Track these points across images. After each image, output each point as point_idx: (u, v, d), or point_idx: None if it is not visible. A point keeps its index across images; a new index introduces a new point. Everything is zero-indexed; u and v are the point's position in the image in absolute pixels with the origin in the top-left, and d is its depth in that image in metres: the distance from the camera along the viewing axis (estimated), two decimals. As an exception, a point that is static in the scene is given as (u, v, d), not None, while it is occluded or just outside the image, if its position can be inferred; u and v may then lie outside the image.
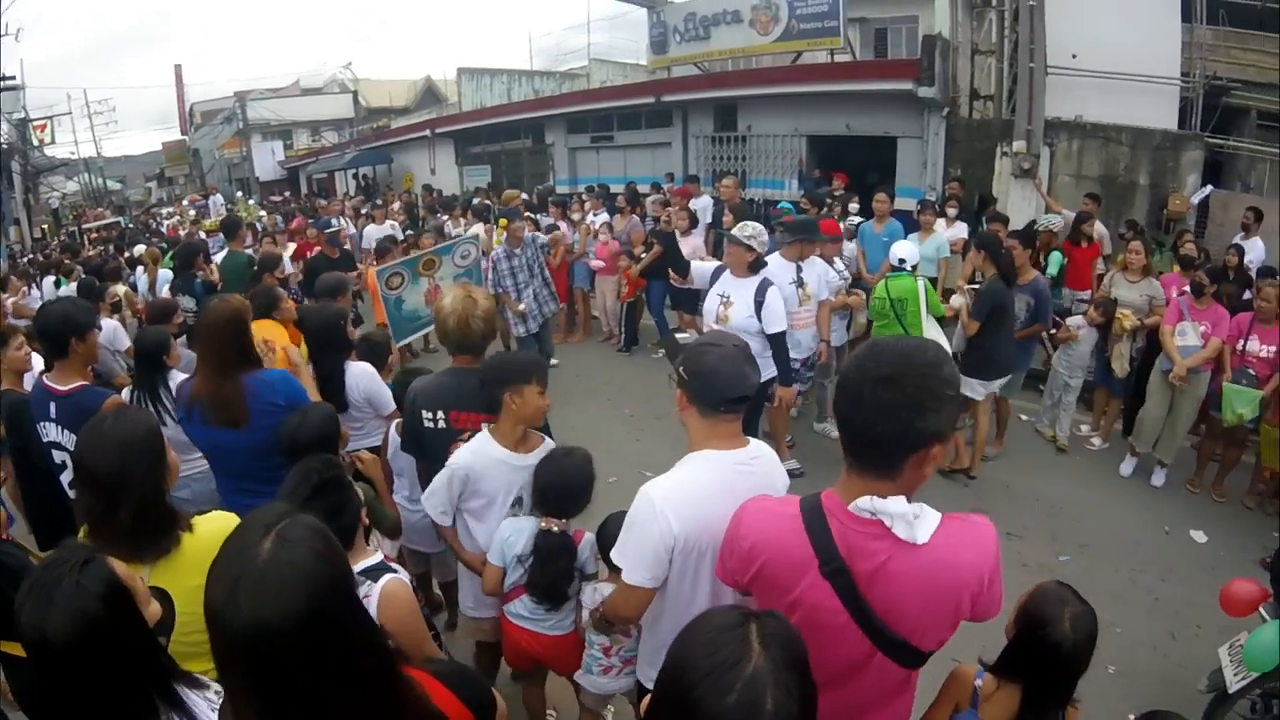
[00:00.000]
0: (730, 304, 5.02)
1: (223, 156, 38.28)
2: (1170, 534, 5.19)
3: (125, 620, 1.46)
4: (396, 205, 15.94)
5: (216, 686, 1.56)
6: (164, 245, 13.10)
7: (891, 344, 1.58)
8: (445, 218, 12.18)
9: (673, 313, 8.97)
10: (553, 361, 7.38)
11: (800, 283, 5.58)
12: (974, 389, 5.62)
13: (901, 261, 5.77)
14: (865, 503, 1.56)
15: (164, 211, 31.98)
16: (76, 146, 39.59)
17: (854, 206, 9.15)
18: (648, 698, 1.36)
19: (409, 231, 12.10)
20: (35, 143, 31.53)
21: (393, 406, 3.83)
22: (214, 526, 2.09)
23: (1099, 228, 7.90)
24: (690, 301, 7.84)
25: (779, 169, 13.35)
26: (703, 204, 10.18)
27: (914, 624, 1.59)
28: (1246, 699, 3.28)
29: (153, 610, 1.58)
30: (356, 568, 2.22)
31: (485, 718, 1.59)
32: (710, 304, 5.15)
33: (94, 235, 24.81)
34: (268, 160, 34.35)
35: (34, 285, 12.12)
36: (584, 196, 11.81)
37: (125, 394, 3.88)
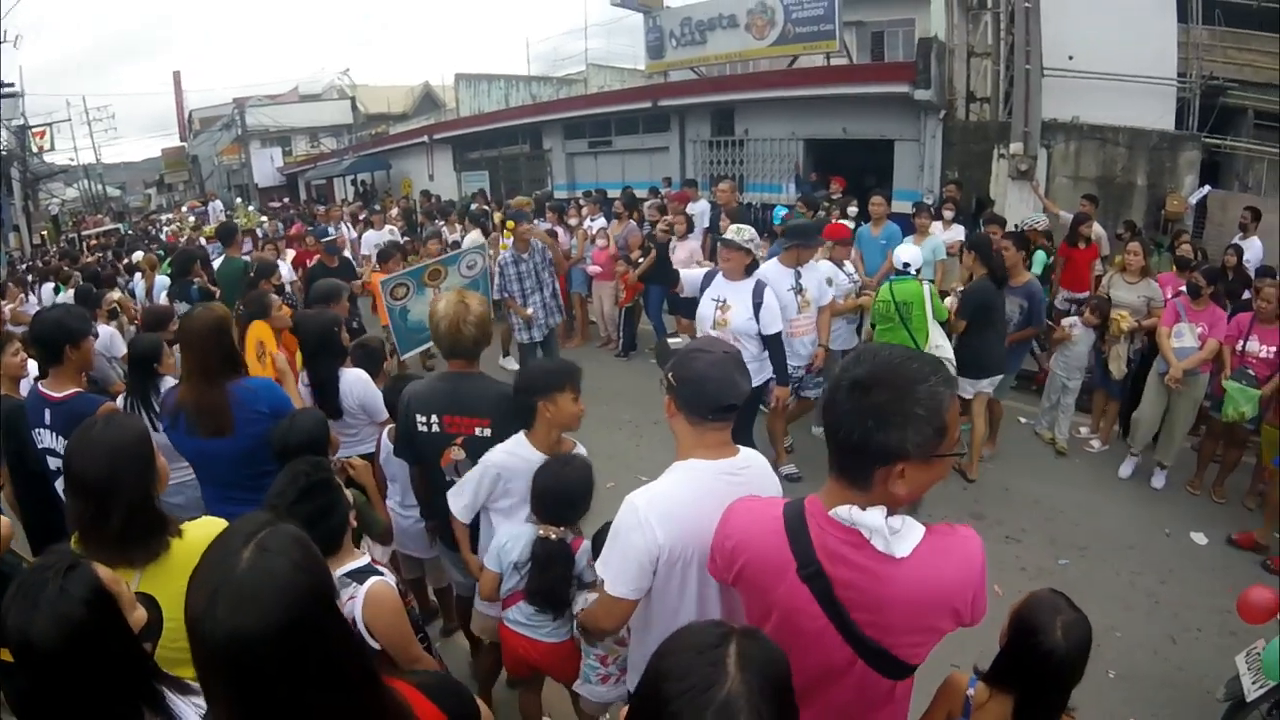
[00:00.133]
0: (728, 308, 4.96)
1: (222, 163, 38.32)
2: (1170, 536, 5.16)
3: (109, 625, 1.45)
4: (395, 211, 15.93)
5: None
6: (161, 252, 13.11)
7: (883, 351, 1.54)
8: (442, 223, 12.18)
9: (670, 317, 8.96)
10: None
11: (799, 289, 5.49)
12: (963, 388, 5.59)
13: (905, 265, 5.72)
14: (844, 512, 1.54)
15: (163, 218, 32.02)
16: (76, 153, 39.76)
17: (852, 210, 9.16)
18: (625, 708, 1.35)
19: (405, 238, 12.10)
20: (34, 149, 31.55)
21: (386, 413, 3.81)
22: (203, 532, 2.08)
23: (1097, 229, 7.89)
24: (688, 306, 7.80)
25: (776, 173, 13.38)
26: (700, 208, 10.20)
27: (893, 634, 1.56)
28: (1261, 707, 3.24)
29: (137, 616, 1.57)
30: (342, 570, 2.24)
31: None
32: (705, 310, 5.07)
33: (93, 242, 24.81)
34: (266, 166, 34.40)
35: (31, 292, 12.11)
36: (581, 202, 11.82)
37: (120, 401, 3.87)
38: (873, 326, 5.96)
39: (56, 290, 11.17)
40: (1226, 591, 4.47)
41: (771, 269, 5.49)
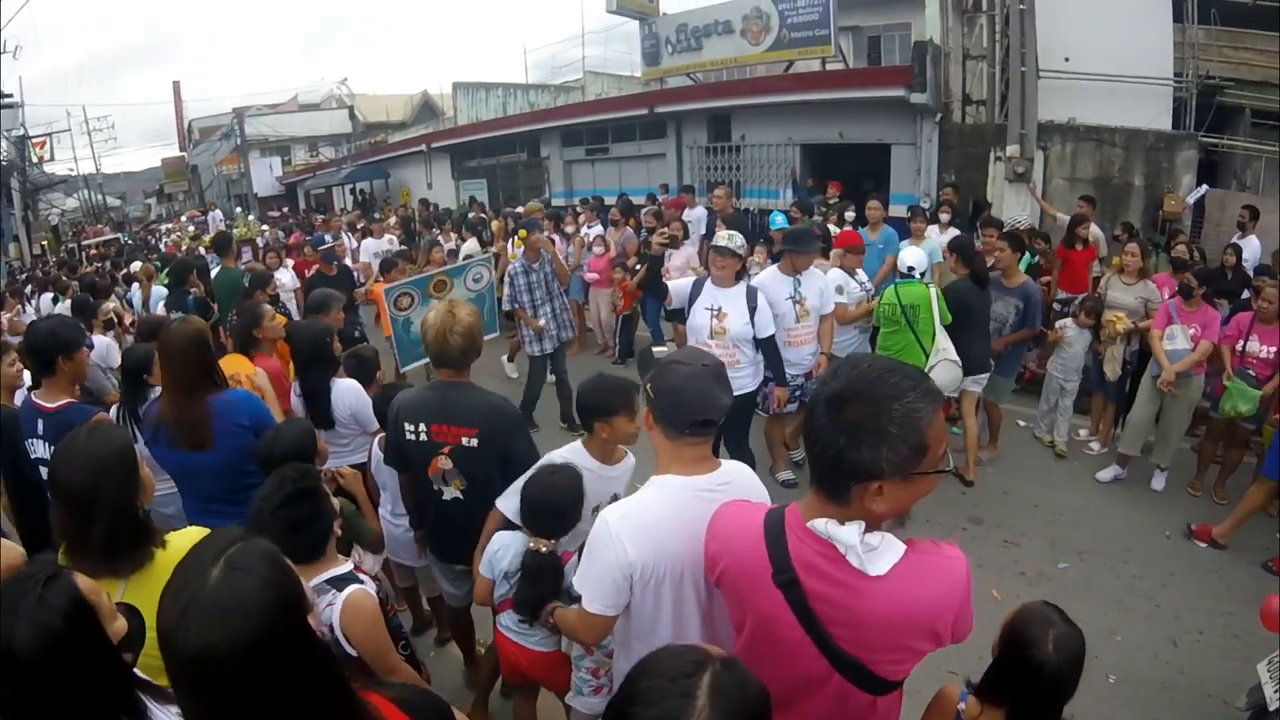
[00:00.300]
0: (724, 315, 4.86)
1: (221, 172, 38.42)
2: (1170, 539, 5.12)
3: (88, 636, 1.45)
4: (393, 220, 15.95)
5: None
6: (159, 262, 13.11)
7: (863, 364, 1.49)
8: (438, 232, 12.18)
9: (668, 325, 8.94)
10: (550, 378, 7.26)
11: (798, 297, 5.39)
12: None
13: (910, 269, 5.70)
14: (820, 525, 1.51)
15: (163, 228, 32.06)
16: (76, 163, 39.86)
17: (849, 215, 9.14)
18: None
19: (402, 246, 12.10)
20: (34, 160, 31.62)
21: (378, 424, 3.79)
22: (187, 542, 2.05)
23: (1094, 230, 7.87)
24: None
25: (773, 178, 13.38)
26: (697, 215, 10.20)
27: (871, 651, 1.53)
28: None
29: (117, 626, 1.56)
30: (323, 576, 2.27)
31: None
32: (700, 319, 4.93)
33: (92, 252, 24.83)
34: (266, 176, 34.47)
35: (29, 302, 12.13)
36: (578, 209, 11.82)
37: (113, 412, 3.86)
38: (875, 329, 5.91)
39: (55, 300, 11.19)
40: (1228, 594, 4.47)
41: (770, 277, 5.43)
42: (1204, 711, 3.61)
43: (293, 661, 1.18)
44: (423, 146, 22.65)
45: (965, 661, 2.12)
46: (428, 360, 6.60)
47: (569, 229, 10.24)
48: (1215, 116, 10.18)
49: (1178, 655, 4.01)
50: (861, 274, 6.33)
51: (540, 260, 6.79)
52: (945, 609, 1.51)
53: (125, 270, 14.26)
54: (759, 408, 5.50)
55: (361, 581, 2.30)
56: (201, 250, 15.09)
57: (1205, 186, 9.45)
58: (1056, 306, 7.34)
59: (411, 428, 2.98)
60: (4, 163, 25.97)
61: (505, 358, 8.81)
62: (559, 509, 2.63)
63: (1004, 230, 7.05)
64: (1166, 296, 5.85)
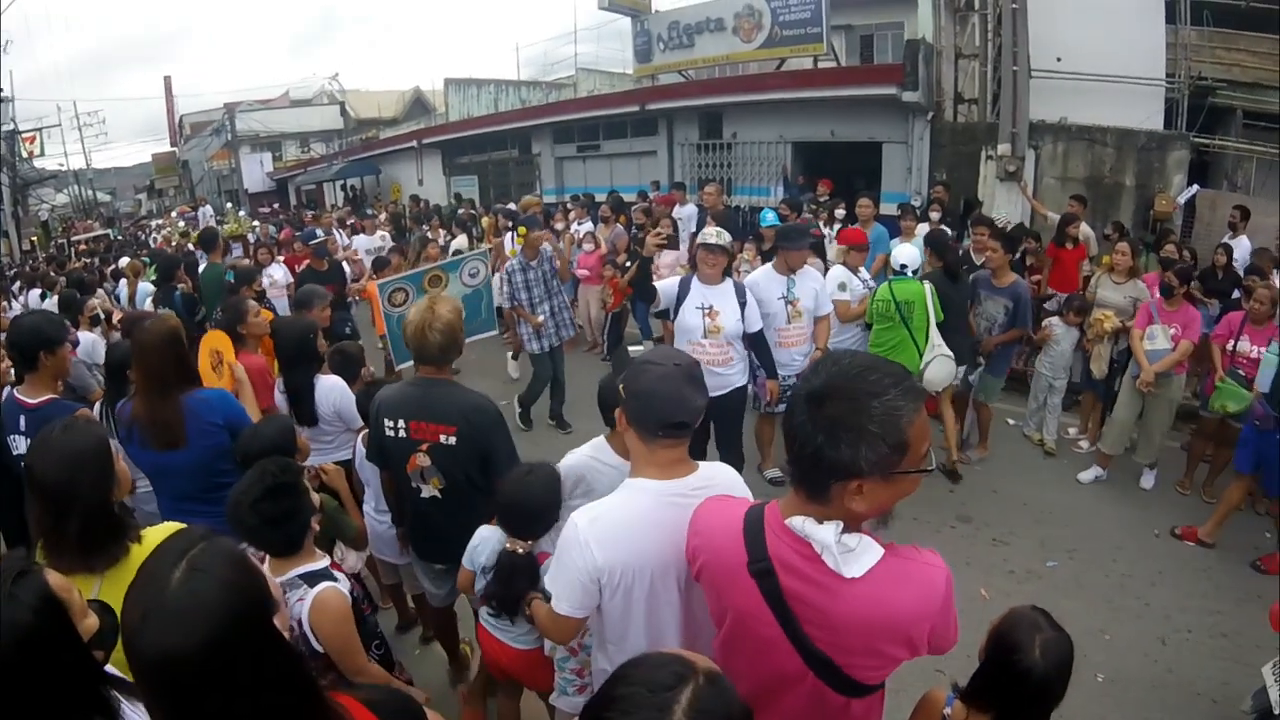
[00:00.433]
0: (716, 313, 4.78)
1: (212, 168, 38.22)
2: (1160, 537, 5.12)
3: (58, 633, 1.44)
4: (383, 216, 15.87)
5: None
6: (147, 258, 13.02)
7: (844, 360, 1.47)
8: (427, 228, 12.14)
9: (657, 321, 8.90)
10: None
11: (790, 298, 5.31)
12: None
13: (903, 266, 5.67)
14: (798, 523, 1.49)
15: (153, 224, 31.86)
16: (66, 158, 39.63)
17: (840, 212, 9.13)
18: None
19: (393, 243, 12.03)
20: (24, 155, 31.40)
21: (362, 420, 3.75)
22: (162, 538, 2.06)
23: (1085, 229, 7.86)
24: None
25: (764, 175, 13.35)
26: (688, 212, 10.17)
27: (846, 654, 1.50)
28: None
29: (88, 624, 1.56)
30: (297, 571, 2.28)
31: None
32: (692, 320, 4.80)
33: (82, 247, 24.64)
34: (256, 172, 34.31)
35: (16, 298, 12.03)
36: (568, 205, 11.78)
37: (97, 409, 3.82)
38: (868, 326, 5.88)
39: (43, 297, 11.10)
40: (1216, 593, 4.47)
41: (763, 276, 5.38)
42: (1193, 710, 3.61)
43: (257, 663, 1.17)
44: (414, 143, 22.58)
45: (954, 660, 2.08)
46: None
47: (559, 226, 10.21)
48: (1207, 117, 10.19)
49: (1167, 654, 4.00)
50: (864, 272, 6.27)
51: (539, 258, 6.71)
52: (921, 616, 1.48)
53: (114, 266, 14.15)
54: (753, 404, 5.46)
55: (335, 579, 2.30)
56: (190, 246, 15.00)
57: (1196, 187, 9.45)
58: (1048, 306, 7.34)
59: (391, 424, 2.96)
60: (-6, 158, 25.78)
61: (510, 355, 8.75)
62: (532, 511, 2.59)
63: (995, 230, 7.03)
64: (1158, 294, 5.85)
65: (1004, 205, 9.61)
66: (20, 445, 3.30)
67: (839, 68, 13.24)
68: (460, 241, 10.49)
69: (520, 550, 2.58)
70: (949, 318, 5.66)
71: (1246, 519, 5.18)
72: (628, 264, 8.79)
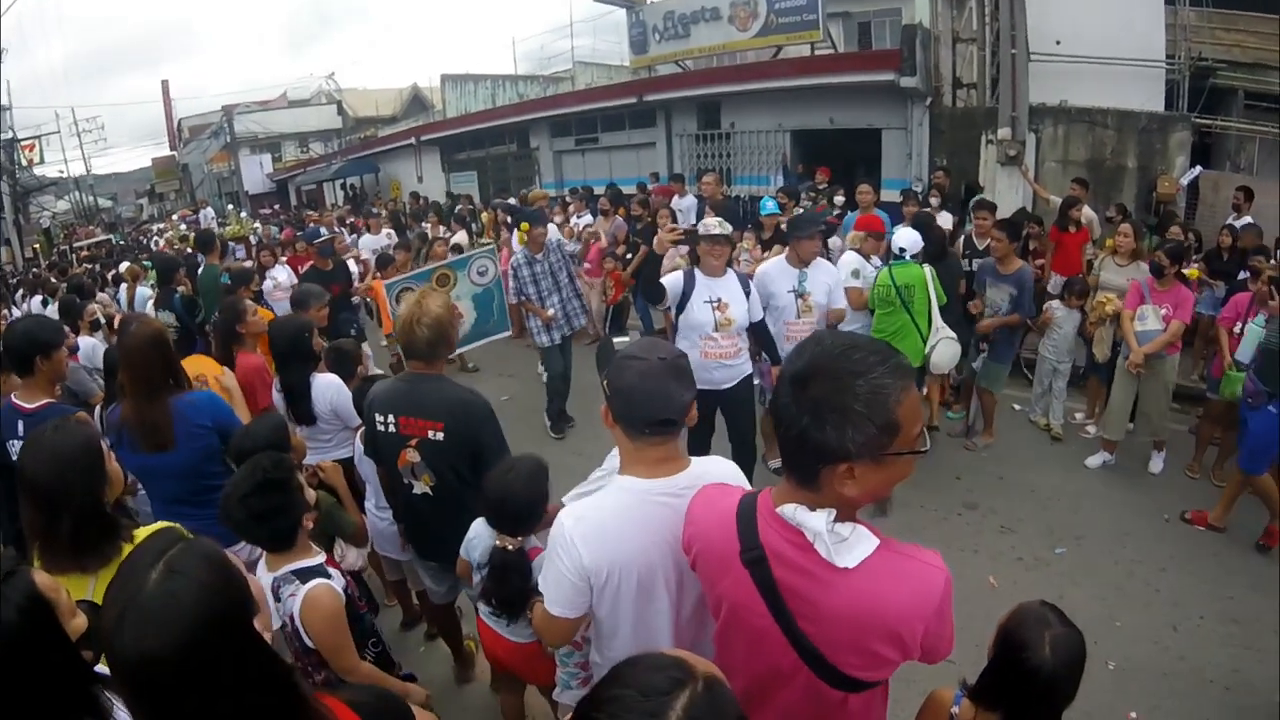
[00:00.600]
0: (726, 306, 4.62)
1: (212, 171, 38.24)
2: (1169, 522, 5.05)
3: (46, 632, 1.47)
4: (383, 214, 15.84)
5: None
6: (148, 263, 13.03)
7: (826, 340, 1.41)
8: (427, 225, 12.10)
9: (658, 313, 8.86)
10: (540, 369, 7.11)
11: (801, 291, 5.14)
12: None
13: (901, 250, 5.62)
14: (789, 510, 1.44)
15: (155, 228, 31.90)
16: (66, 165, 39.71)
17: (839, 199, 9.08)
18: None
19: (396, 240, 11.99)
20: (24, 163, 31.43)
21: (359, 418, 3.73)
22: None
23: (1087, 212, 7.80)
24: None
25: (763, 165, 13.32)
26: (687, 204, 10.11)
27: (837, 650, 1.45)
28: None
29: (77, 624, 1.58)
30: (290, 567, 2.31)
31: None
32: (703, 315, 4.59)
33: (84, 253, 24.69)
34: (256, 173, 34.36)
35: (16, 306, 12.05)
36: (567, 199, 11.75)
37: (97, 413, 3.81)
38: (871, 311, 5.82)
39: (44, 303, 11.14)
40: (1227, 578, 4.41)
41: (775, 268, 5.25)
42: (1204, 698, 3.55)
43: (235, 664, 1.17)
44: (412, 140, 22.55)
45: (963, 650, 2.03)
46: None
47: (557, 219, 10.17)
48: (1208, 98, 10.11)
49: (1178, 641, 3.94)
50: (877, 259, 6.11)
51: (544, 250, 6.58)
52: (914, 616, 1.42)
53: (115, 271, 14.17)
54: (759, 398, 5.39)
55: (329, 575, 2.30)
56: (189, 250, 14.99)
57: (1199, 168, 9.38)
58: (1050, 289, 7.29)
59: (381, 419, 2.95)
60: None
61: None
62: (516, 507, 2.54)
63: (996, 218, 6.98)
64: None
65: (1005, 190, 9.55)
66: (17, 450, 3.28)
67: (836, 54, 13.19)
68: (460, 237, 10.44)
69: (510, 547, 2.54)
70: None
71: (1256, 502, 5.12)
72: (628, 255, 8.75)
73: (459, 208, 13.80)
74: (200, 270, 8.12)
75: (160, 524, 2.23)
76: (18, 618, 1.40)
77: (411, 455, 2.91)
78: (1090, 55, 9.55)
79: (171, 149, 43.89)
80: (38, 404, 3.28)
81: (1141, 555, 4.70)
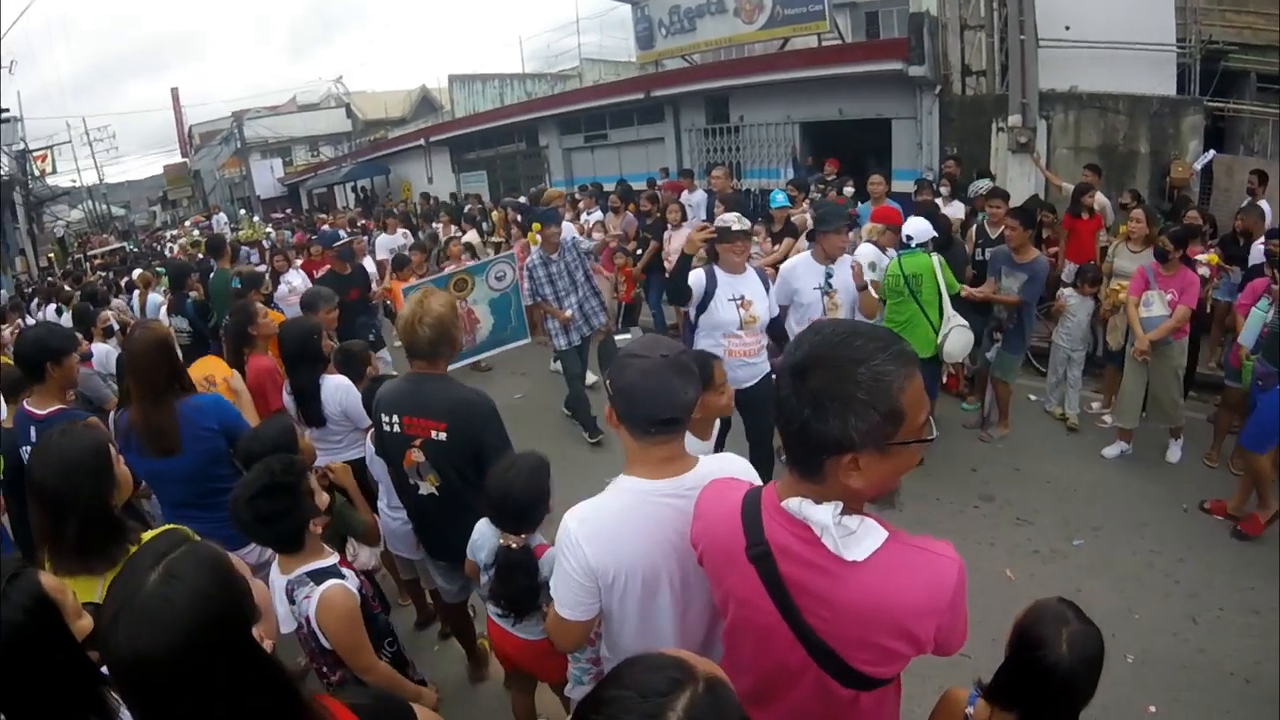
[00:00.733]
0: (749, 303, 4.54)
1: (223, 176, 38.54)
2: (1187, 512, 4.98)
3: (51, 632, 1.50)
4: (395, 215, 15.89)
5: None
6: (161, 269, 13.12)
7: (826, 328, 1.38)
8: (439, 226, 12.11)
9: (670, 308, 8.84)
10: (553, 365, 7.05)
11: (828, 289, 4.98)
12: None
13: (909, 239, 5.58)
14: (794, 504, 1.41)
15: (168, 235, 32.13)
16: (79, 174, 39.97)
17: (848, 190, 9.03)
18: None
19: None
20: (36, 173, 31.67)
21: (369, 419, 3.73)
22: None
23: (1100, 199, 7.72)
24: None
25: (773, 158, 13.27)
26: (698, 199, 10.09)
27: (844, 641, 1.42)
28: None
29: (82, 625, 1.60)
30: (304, 569, 2.33)
31: None
32: (728, 313, 4.49)
33: (98, 261, 24.90)
34: (267, 178, 34.60)
35: (30, 315, 12.16)
36: (577, 196, 11.74)
37: (111, 419, 3.82)
38: (882, 302, 5.74)
39: (59, 311, 11.25)
40: (1246, 569, 4.35)
41: (801, 264, 5.13)
42: (1224, 690, 3.50)
43: (231, 668, 1.18)
44: (421, 141, 22.59)
45: (978, 643, 1.99)
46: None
47: (567, 216, 10.17)
48: (1220, 82, 9.99)
49: (1197, 633, 3.89)
50: (893, 251, 6.03)
51: (559, 250, 6.47)
52: (925, 611, 1.38)
53: (128, 278, 14.29)
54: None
55: (343, 576, 2.32)
56: (200, 255, 15.07)
57: (1212, 152, 9.26)
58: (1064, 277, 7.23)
59: (387, 419, 2.96)
60: (5, 177, 25.97)
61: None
62: (517, 505, 2.53)
63: (972, 198, 6.95)
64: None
65: (1017, 177, 9.45)
66: None
67: (843, 45, 13.10)
68: (471, 236, 10.45)
69: (514, 545, 2.53)
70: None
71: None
72: (638, 251, 8.73)
73: (469, 207, 13.81)
74: (211, 275, 8.15)
75: (167, 526, 2.26)
76: (23, 618, 1.43)
77: (416, 455, 2.92)
78: (1100, 40, 9.43)
79: (183, 156, 44.32)
80: (49, 410, 3.31)
81: (1160, 546, 4.64)
